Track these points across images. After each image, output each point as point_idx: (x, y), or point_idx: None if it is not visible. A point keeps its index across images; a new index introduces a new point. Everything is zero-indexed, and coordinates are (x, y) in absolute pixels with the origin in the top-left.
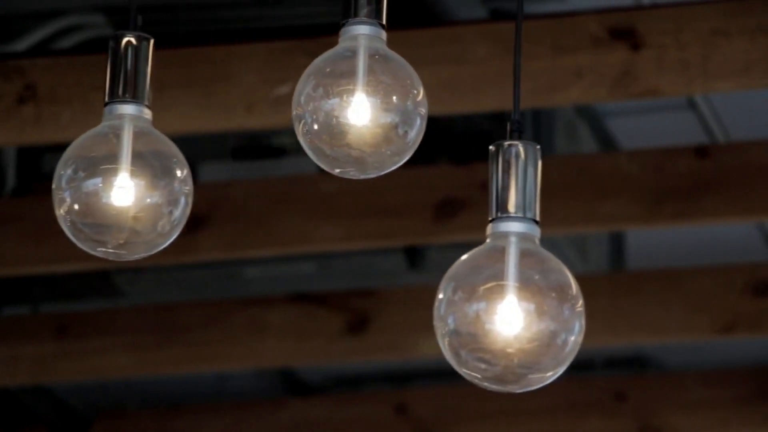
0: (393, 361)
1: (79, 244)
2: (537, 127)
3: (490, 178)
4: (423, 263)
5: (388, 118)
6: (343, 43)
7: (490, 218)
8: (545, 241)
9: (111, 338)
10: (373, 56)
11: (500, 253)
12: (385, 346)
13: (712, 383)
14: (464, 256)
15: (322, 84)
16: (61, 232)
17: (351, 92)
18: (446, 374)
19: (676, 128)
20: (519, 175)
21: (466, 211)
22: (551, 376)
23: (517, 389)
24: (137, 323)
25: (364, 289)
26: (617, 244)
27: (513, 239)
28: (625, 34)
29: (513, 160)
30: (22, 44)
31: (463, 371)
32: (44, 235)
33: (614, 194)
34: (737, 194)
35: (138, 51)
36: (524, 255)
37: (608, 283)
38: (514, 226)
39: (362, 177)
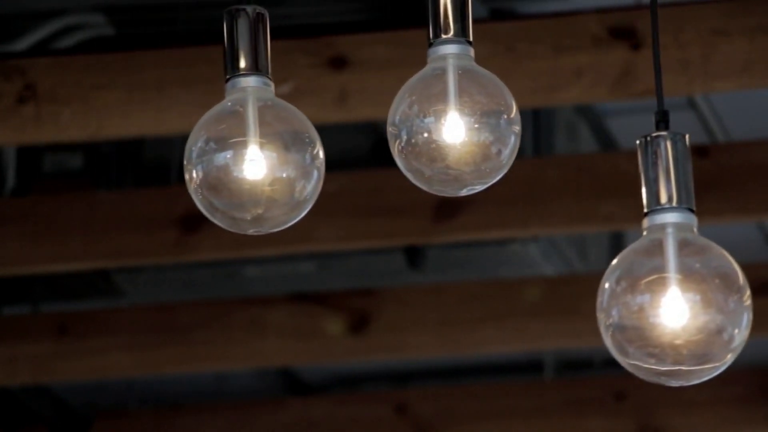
0: (393, 361)
1: (213, 219)
2: (537, 126)
3: (641, 171)
4: (423, 263)
5: (481, 137)
6: (432, 64)
7: (645, 211)
8: (546, 241)
9: (111, 338)
10: (464, 75)
11: (658, 245)
12: (385, 346)
13: (712, 383)
14: (623, 252)
15: (417, 103)
16: (61, 231)
17: (444, 112)
18: (446, 374)
19: (676, 128)
20: (669, 166)
21: (466, 211)
22: (721, 366)
23: (687, 382)
24: (137, 323)
25: (364, 289)
26: (617, 244)
27: (669, 230)
28: (625, 33)
29: (661, 152)
30: (22, 44)
31: (628, 364)
32: (44, 235)
33: (614, 194)
34: (737, 194)
35: (256, 23)
36: (683, 245)
37: None
38: (670, 217)
39: (459, 194)
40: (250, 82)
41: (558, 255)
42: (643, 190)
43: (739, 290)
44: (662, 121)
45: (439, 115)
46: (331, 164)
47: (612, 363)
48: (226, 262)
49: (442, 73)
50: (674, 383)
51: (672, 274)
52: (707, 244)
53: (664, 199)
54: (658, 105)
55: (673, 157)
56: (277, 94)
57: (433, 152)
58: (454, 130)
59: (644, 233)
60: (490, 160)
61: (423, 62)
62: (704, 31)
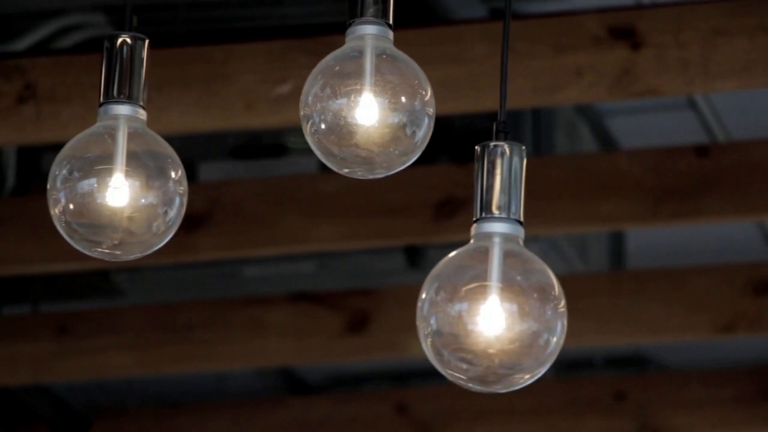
0: (393, 360)
1: (74, 245)
2: (537, 126)
3: (475, 178)
4: (423, 263)
5: (395, 118)
6: (349, 43)
7: (474, 218)
8: (546, 241)
9: (111, 338)
10: (380, 56)
11: (484, 253)
12: (385, 345)
13: (712, 383)
14: (447, 257)
15: (330, 84)
16: None
17: (358, 92)
18: None
19: (676, 128)
20: (504, 176)
21: (466, 210)
22: (533, 376)
23: (499, 389)
24: (137, 323)
25: (363, 289)
26: (617, 244)
27: (496, 240)
28: (625, 33)
29: (498, 161)
30: (22, 43)
31: (446, 372)
32: (44, 234)
33: (614, 194)
34: (737, 193)
35: (133, 51)
36: (507, 256)
37: (608, 283)
38: (498, 227)
39: (370, 177)
40: (122, 110)
41: (558, 255)
42: (476, 197)
43: (555, 299)
44: (502, 130)
45: (353, 95)
46: None
47: (612, 363)
48: (226, 262)
49: (358, 53)
50: (485, 390)
51: (494, 282)
52: (530, 257)
53: (495, 208)
54: (500, 114)
55: (509, 167)
56: (277, 94)
57: (344, 133)
58: (367, 110)
59: (471, 240)
60: (402, 141)
61: (423, 62)
62: (704, 31)
